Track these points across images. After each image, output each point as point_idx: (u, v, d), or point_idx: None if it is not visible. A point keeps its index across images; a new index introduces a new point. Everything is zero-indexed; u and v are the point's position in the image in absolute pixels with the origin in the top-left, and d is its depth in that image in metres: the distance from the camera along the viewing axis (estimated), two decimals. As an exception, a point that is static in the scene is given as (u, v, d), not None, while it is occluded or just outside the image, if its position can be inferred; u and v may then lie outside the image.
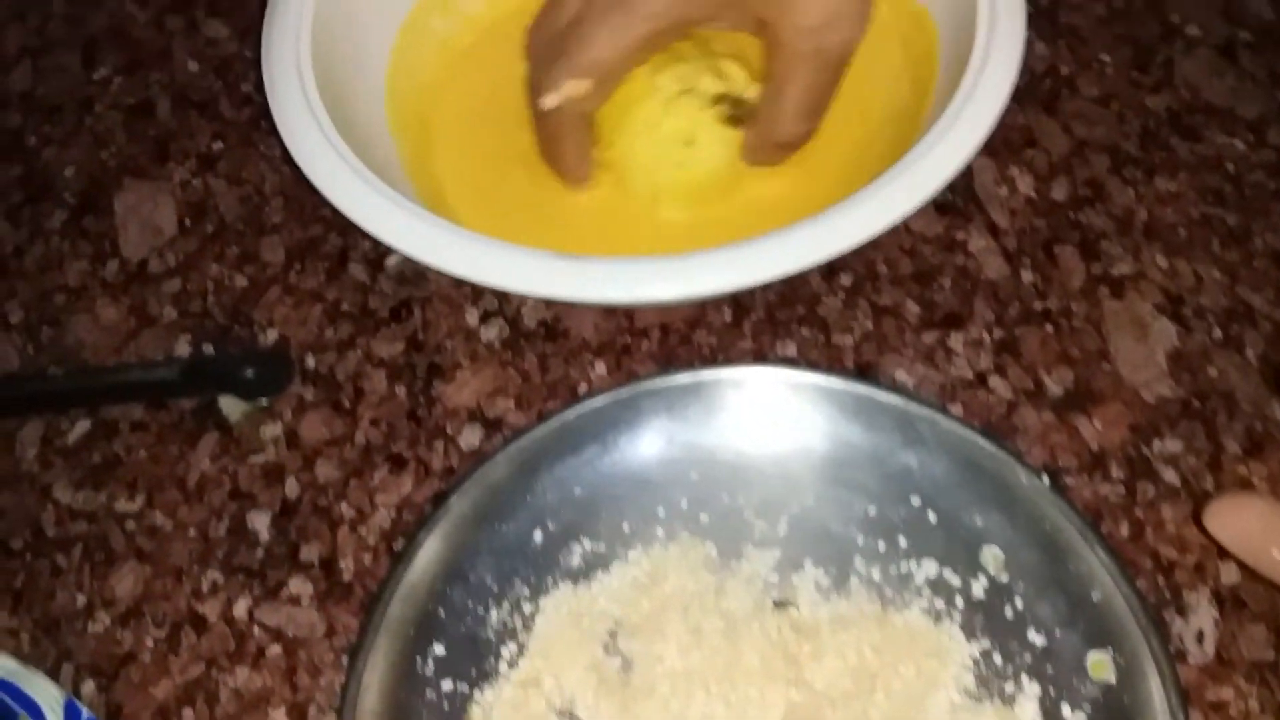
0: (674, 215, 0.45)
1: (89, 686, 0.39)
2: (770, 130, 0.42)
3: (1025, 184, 0.48)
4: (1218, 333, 0.44)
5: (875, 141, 0.45)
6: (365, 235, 0.43)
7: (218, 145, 0.52)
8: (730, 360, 0.44)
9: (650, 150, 0.44)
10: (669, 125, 0.43)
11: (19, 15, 0.58)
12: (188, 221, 0.50)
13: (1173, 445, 0.41)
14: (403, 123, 0.47)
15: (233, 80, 0.54)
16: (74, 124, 0.53)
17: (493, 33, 0.50)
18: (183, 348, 0.46)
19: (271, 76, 0.43)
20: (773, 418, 0.41)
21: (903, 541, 0.40)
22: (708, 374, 0.42)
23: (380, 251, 0.48)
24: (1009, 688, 0.37)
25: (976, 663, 0.37)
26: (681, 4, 0.39)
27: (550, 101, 0.41)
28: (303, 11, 0.44)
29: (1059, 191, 0.48)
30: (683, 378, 0.42)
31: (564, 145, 0.43)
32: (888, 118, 0.45)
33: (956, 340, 0.44)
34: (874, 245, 0.41)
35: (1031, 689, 0.37)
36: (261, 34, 0.45)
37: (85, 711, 0.37)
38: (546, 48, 0.42)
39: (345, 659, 0.39)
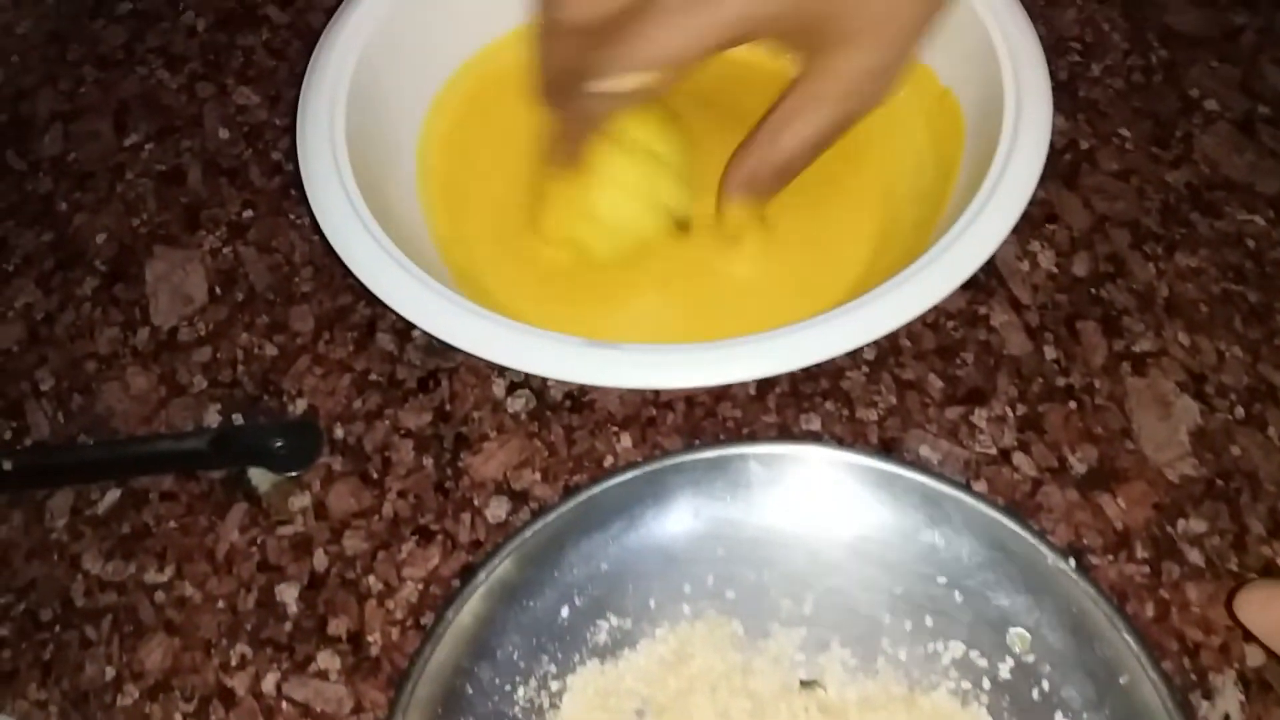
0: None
1: (117, 761, 0.39)
2: (761, 148, 0.41)
3: (1047, 259, 0.48)
4: (1240, 411, 0.44)
5: (900, 220, 0.46)
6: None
7: (248, 213, 0.53)
8: (755, 435, 0.45)
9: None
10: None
11: (50, 80, 0.59)
12: (218, 290, 0.50)
13: (1197, 525, 0.42)
14: (434, 194, 0.48)
15: (263, 148, 0.55)
16: (106, 190, 0.54)
17: (527, 105, 0.51)
18: (212, 417, 0.47)
19: (305, 150, 0.44)
20: (798, 494, 0.42)
21: (929, 621, 0.40)
22: (733, 449, 0.42)
23: (408, 322, 0.48)
24: (1036, 773, 0.37)
25: (1004, 747, 0.38)
26: (749, 7, 0.37)
27: (608, 86, 0.39)
28: (338, 84, 0.45)
29: (1080, 267, 0.48)
30: (708, 453, 0.42)
31: (583, 128, 0.41)
32: (912, 197, 0.46)
33: (980, 416, 0.45)
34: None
35: (1059, 774, 0.37)
36: (296, 103, 0.45)
37: (115, 788, 0.37)
38: (587, 32, 0.39)
39: (373, 736, 0.39)
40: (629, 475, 0.41)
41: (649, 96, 0.39)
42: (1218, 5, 0.57)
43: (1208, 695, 0.39)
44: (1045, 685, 0.38)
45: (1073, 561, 0.38)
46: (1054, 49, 0.49)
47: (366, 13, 0.47)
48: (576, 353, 0.37)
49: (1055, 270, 0.48)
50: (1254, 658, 0.39)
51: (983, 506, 0.40)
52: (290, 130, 0.55)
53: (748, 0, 0.37)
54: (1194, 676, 0.39)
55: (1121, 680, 0.37)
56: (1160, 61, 0.55)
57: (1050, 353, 0.46)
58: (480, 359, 0.39)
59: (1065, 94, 0.53)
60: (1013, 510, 0.42)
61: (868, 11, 0.38)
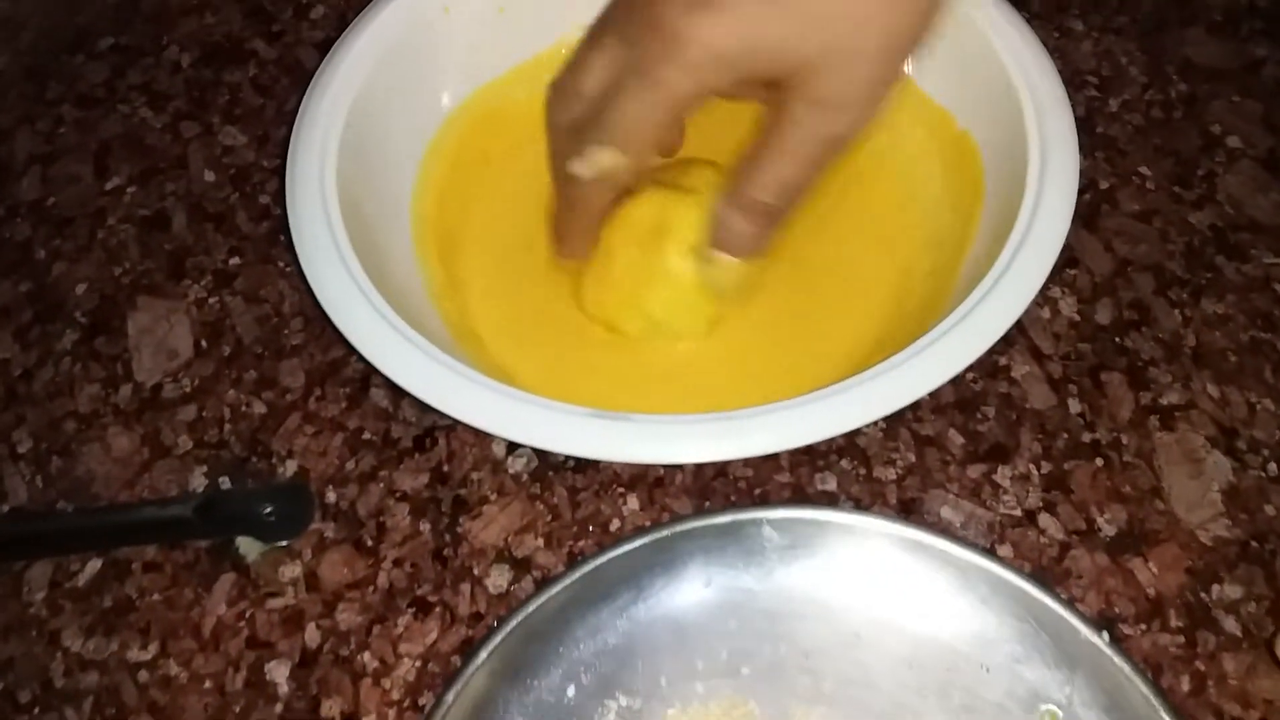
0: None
1: None
2: (739, 190, 0.39)
3: (1068, 306, 0.47)
4: (1273, 468, 0.42)
5: (917, 268, 0.44)
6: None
7: (235, 261, 0.51)
8: (768, 497, 0.43)
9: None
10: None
11: (28, 120, 0.57)
12: (204, 343, 0.48)
13: (1232, 591, 0.40)
14: (429, 243, 0.46)
15: (250, 191, 0.53)
16: (86, 237, 0.52)
17: (522, 154, 0.49)
18: (198, 480, 0.45)
19: (294, 201, 0.42)
20: (815, 561, 0.40)
21: (956, 697, 0.38)
22: (746, 514, 0.40)
23: (402, 377, 0.46)
24: None
25: (1038, 835, 0.36)
26: (707, 72, 0.37)
27: (580, 168, 0.40)
28: (330, 129, 0.44)
29: (1103, 314, 0.46)
30: (720, 518, 0.40)
31: (577, 216, 0.42)
32: (930, 242, 0.44)
33: (1003, 475, 0.43)
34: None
35: None
36: (284, 142, 0.44)
37: None
38: (570, 113, 0.41)
39: (370, 827, 0.37)
40: (636, 543, 0.40)
41: (627, 174, 0.40)
42: (1238, 37, 0.55)
43: (1250, 777, 0.37)
44: (1081, 768, 0.36)
45: (1105, 634, 0.36)
46: (1070, 83, 0.47)
47: (361, 53, 0.45)
48: (581, 424, 0.35)
49: (1077, 318, 0.46)
50: (1298, 735, 0.37)
51: (1009, 574, 0.38)
52: (279, 172, 0.53)
53: (699, 67, 0.36)
54: (1235, 757, 0.37)
55: (1160, 763, 0.35)
56: (1180, 96, 0.53)
57: (1075, 406, 0.44)
58: (471, 426, 0.37)
59: (1083, 130, 0.50)
60: (1040, 577, 0.40)
61: (830, 39, 0.36)
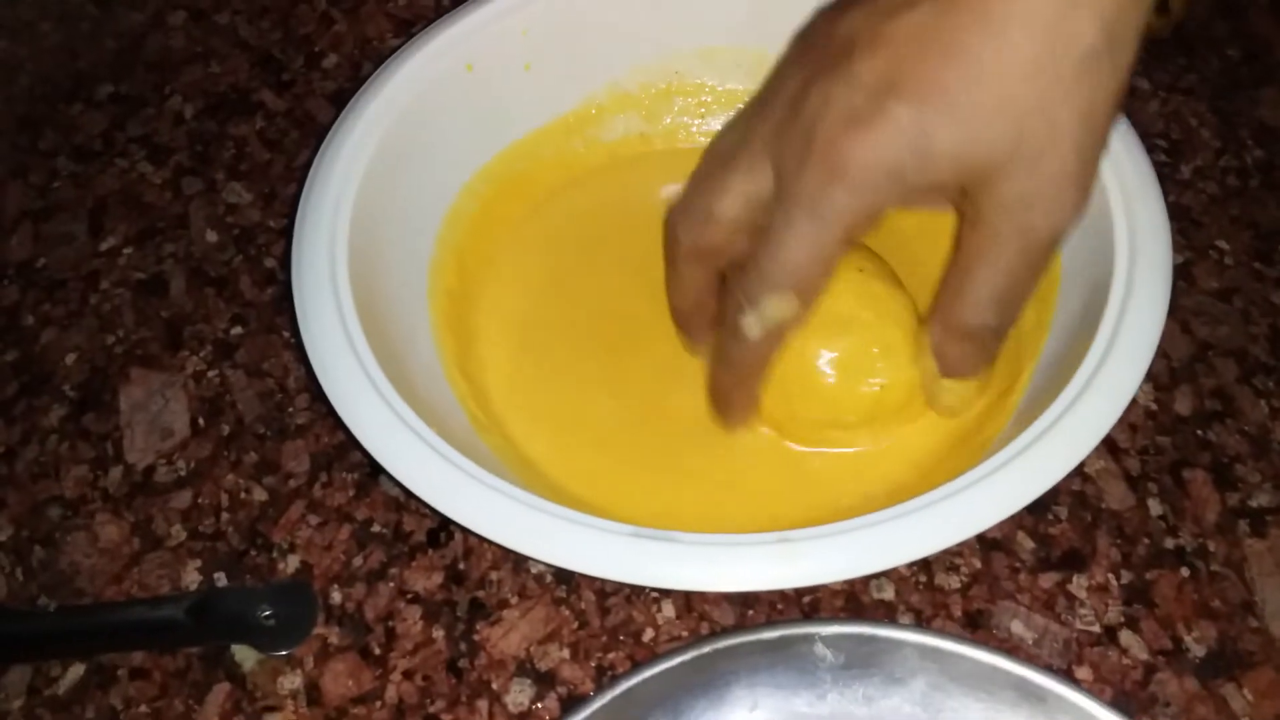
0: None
1: None
2: (950, 316, 0.36)
3: (1145, 394, 0.43)
4: (1379, 581, 0.39)
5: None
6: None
7: (236, 330, 0.48)
8: (819, 606, 0.39)
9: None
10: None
11: (21, 172, 0.54)
12: (201, 421, 0.45)
13: (1339, 723, 0.36)
14: (445, 319, 0.43)
15: (255, 254, 0.50)
16: (77, 302, 0.49)
17: (548, 220, 0.46)
18: (192, 575, 0.41)
19: (300, 274, 0.39)
20: (872, 682, 0.36)
21: (1032, 844, 0.34)
22: (796, 629, 0.37)
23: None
24: None
25: None
26: (879, 192, 0.33)
27: (753, 326, 0.36)
28: (342, 197, 0.40)
29: (1183, 404, 0.43)
30: (767, 634, 0.37)
31: (744, 376, 0.38)
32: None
33: (1079, 585, 0.39)
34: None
35: None
36: (291, 201, 0.41)
37: None
38: (703, 239, 0.38)
39: None
40: (674, 661, 0.36)
41: (799, 321, 0.36)
42: (1316, 98, 0.52)
43: None
44: None
45: (1203, 777, 0.33)
46: (1138, 148, 0.44)
47: (378, 111, 0.42)
48: (613, 545, 0.32)
49: (1155, 407, 0.43)
50: None
51: (1089, 702, 0.35)
52: (286, 233, 0.50)
53: (870, 188, 0.33)
54: None
55: None
56: (1256, 162, 0.50)
57: (1155, 507, 0.41)
58: (481, 536, 0.33)
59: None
60: (1124, 704, 0.37)
61: (1014, 133, 0.32)
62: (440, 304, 0.44)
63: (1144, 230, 0.37)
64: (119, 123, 0.55)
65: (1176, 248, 0.45)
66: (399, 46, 0.53)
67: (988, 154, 0.32)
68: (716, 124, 0.49)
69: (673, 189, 0.39)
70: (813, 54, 0.35)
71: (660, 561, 0.32)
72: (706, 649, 0.36)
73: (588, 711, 0.35)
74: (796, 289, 0.35)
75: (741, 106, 0.39)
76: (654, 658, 0.36)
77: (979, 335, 0.36)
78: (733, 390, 0.39)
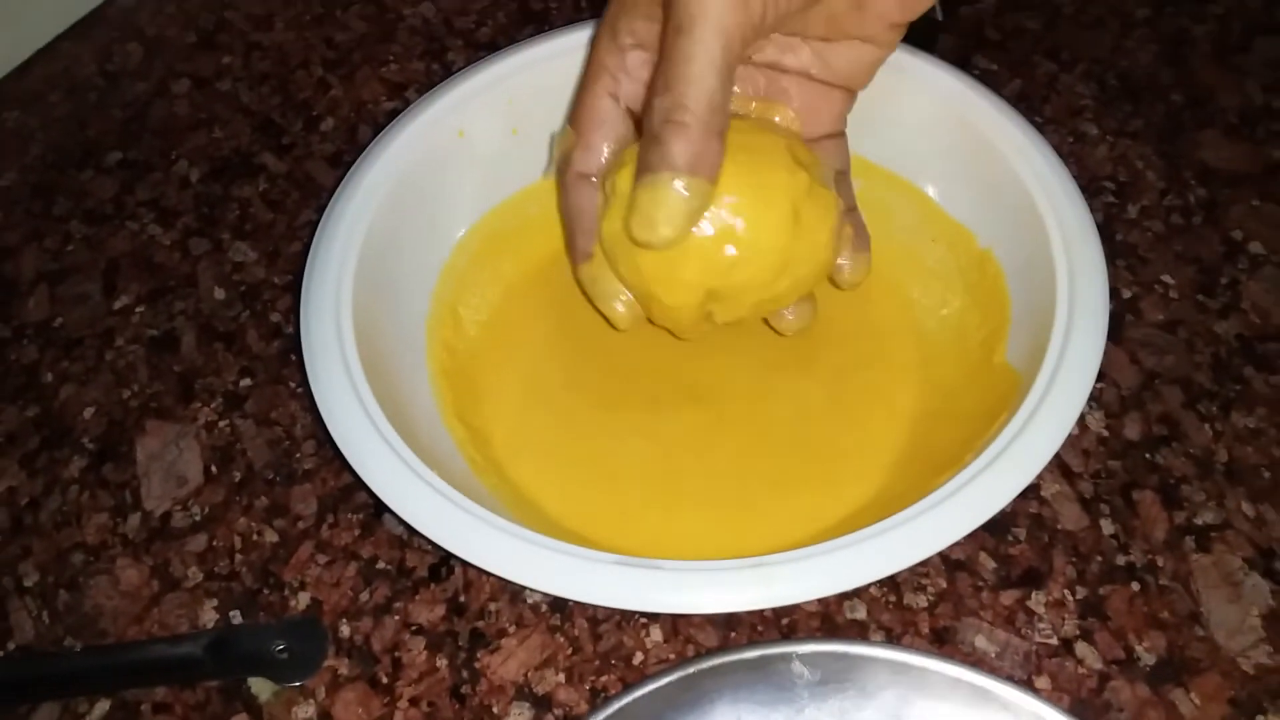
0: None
1: None
2: (661, 101, 0.35)
3: (1096, 421, 0.47)
4: (1316, 591, 0.42)
5: (941, 387, 0.44)
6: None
7: (245, 382, 0.51)
8: (796, 626, 0.42)
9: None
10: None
11: (35, 237, 0.57)
12: (214, 468, 0.48)
13: (1278, 722, 0.39)
14: (443, 367, 0.46)
15: (261, 309, 0.53)
16: (94, 359, 0.52)
17: (536, 272, 0.49)
18: (209, 614, 0.44)
19: (309, 329, 0.42)
20: (846, 696, 0.39)
21: (997, 842, 0.37)
22: (774, 649, 0.40)
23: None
24: None
25: None
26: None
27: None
28: (346, 257, 0.44)
29: (1132, 429, 0.46)
30: (748, 653, 0.40)
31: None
32: (956, 365, 0.44)
33: (1038, 601, 0.42)
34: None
35: None
36: (295, 258, 0.44)
37: None
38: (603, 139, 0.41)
39: None
40: (661, 681, 0.39)
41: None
42: (1255, 139, 0.56)
43: None
44: None
45: (1151, 776, 0.36)
46: (1087, 189, 0.48)
47: (377, 177, 0.46)
48: (607, 574, 0.35)
49: (1106, 433, 0.46)
50: None
51: (1049, 710, 0.38)
52: (290, 288, 0.54)
53: None
54: None
55: None
56: (1199, 201, 0.54)
57: (1107, 527, 0.44)
58: (484, 570, 0.36)
59: (1102, 237, 0.51)
60: (1080, 711, 0.40)
61: None
62: (437, 355, 0.47)
63: (1083, 273, 0.41)
64: (128, 187, 0.59)
65: (1124, 283, 0.49)
66: (392, 109, 0.57)
67: None
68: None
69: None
70: None
71: (645, 588, 0.35)
72: (692, 669, 0.39)
73: (582, 730, 0.38)
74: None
75: None
76: (643, 679, 0.39)
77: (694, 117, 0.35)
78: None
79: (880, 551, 0.35)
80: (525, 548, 0.36)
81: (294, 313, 0.52)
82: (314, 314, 0.42)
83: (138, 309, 0.54)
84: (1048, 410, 0.37)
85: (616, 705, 0.39)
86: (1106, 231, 0.52)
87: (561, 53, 0.48)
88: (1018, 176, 0.43)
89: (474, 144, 0.48)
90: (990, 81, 0.52)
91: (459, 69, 0.50)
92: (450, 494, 0.38)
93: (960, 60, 0.56)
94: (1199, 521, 0.44)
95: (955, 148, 0.47)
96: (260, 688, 0.42)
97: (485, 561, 0.36)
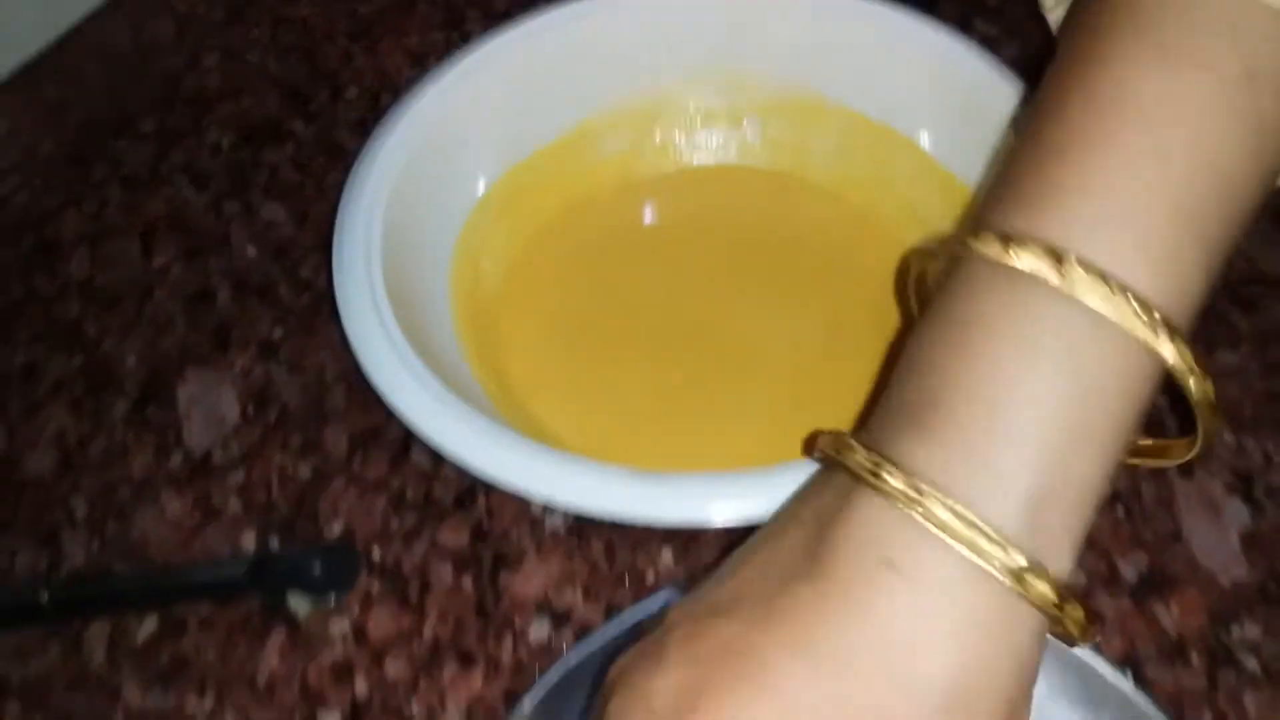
0: None
1: None
2: None
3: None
4: (1290, 512, 0.46)
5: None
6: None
7: (278, 332, 0.55)
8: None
9: None
10: None
11: (75, 201, 0.61)
12: (250, 410, 0.52)
13: (1252, 631, 0.43)
14: (466, 314, 0.50)
15: (291, 266, 0.57)
16: (134, 313, 0.56)
17: (556, 228, 0.53)
18: (248, 541, 0.48)
19: (341, 274, 0.46)
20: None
21: (984, 737, 0.41)
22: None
23: (443, 439, 0.50)
24: None
25: None
26: None
27: None
28: (373, 210, 0.47)
29: (1120, 367, 0.50)
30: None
31: None
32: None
33: (1026, 523, 0.46)
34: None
35: None
36: (323, 219, 0.48)
37: None
38: None
39: None
40: (671, 593, 0.43)
41: None
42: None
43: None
44: (1107, 803, 0.39)
45: (1130, 674, 0.39)
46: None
47: (403, 134, 0.50)
48: (620, 482, 0.39)
49: (1094, 371, 0.50)
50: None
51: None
52: (318, 247, 0.58)
53: None
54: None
55: (1185, 796, 0.38)
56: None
57: (1094, 456, 0.47)
58: (512, 490, 0.40)
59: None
60: (1064, 620, 0.43)
61: None
62: (460, 302, 0.51)
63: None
64: (162, 154, 0.63)
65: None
66: (413, 77, 0.61)
67: None
68: (700, 138, 0.56)
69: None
70: (640, 641, 0.33)
71: (660, 498, 0.39)
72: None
73: (598, 636, 0.42)
74: None
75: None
76: (654, 588, 0.43)
77: None
78: None
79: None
80: (545, 465, 0.40)
81: (324, 268, 0.56)
82: (346, 258, 0.46)
83: (174, 267, 0.58)
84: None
85: (630, 615, 0.42)
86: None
87: (577, 17, 0.53)
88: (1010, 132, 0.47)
89: (491, 107, 0.52)
90: (989, 45, 0.56)
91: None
92: (475, 419, 0.42)
93: (961, 24, 0.59)
94: (1181, 451, 0.47)
95: (951, 105, 0.50)
96: (298, 605, 0.46)
97: (508, 479, 0.40)
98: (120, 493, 0.50)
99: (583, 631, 0.45)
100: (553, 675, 0.41)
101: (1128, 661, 0.43)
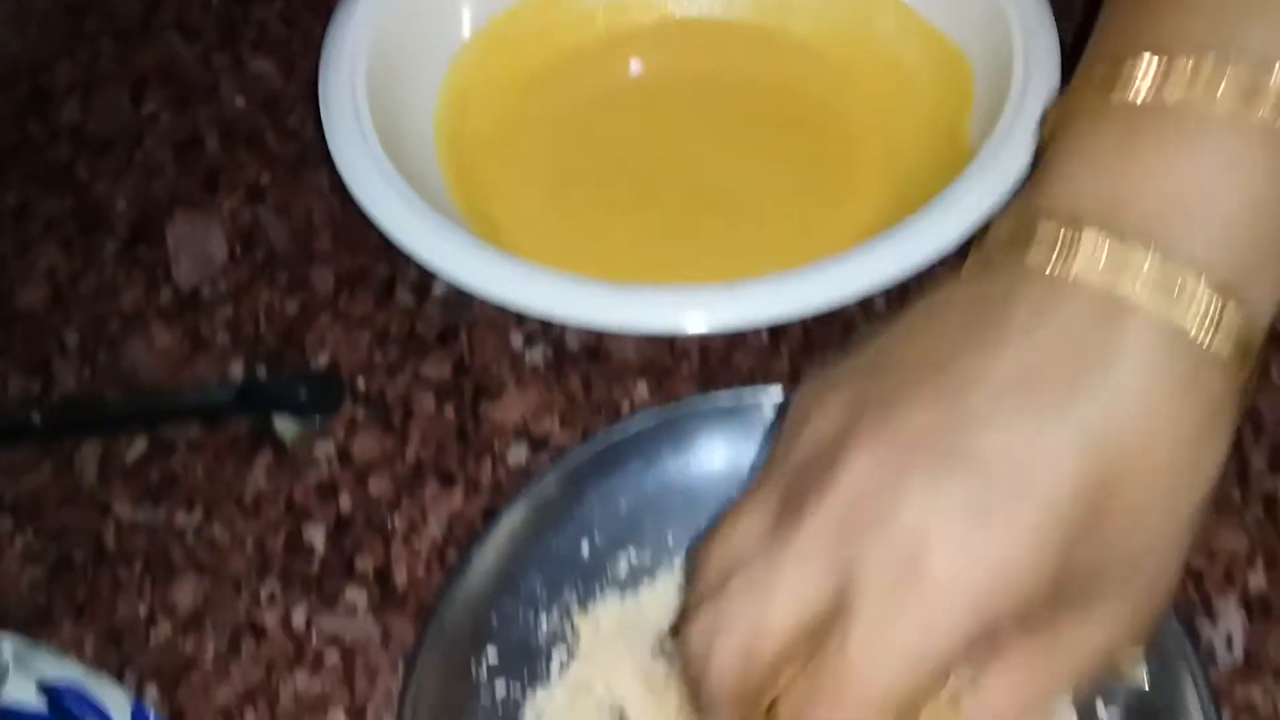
0: None
1: (152, 692, 0.43)
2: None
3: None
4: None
5: (908, 156, 0.49)
6: (412, 263, 0.48)
7: (266, 178, 0.56)
8: (769, 382, 0.48)
9: None
10: None
11: (69, 51, 0.62)
12: (238, 250, 0.54)
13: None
14: (450, 150, 0.52)
15: (279, 116, 0.58)
16: (124, 158, 0.57)
17: (540, 80, 0.54)
18: (236, 371, 0.50)
19: (328, 109, 0.48)
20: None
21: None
22: (749, 395, 0.45)
23: (426, 279, 0.51)
24: (1045, 689, 0.40)
25: (1013, 666, 0.41)
26: (986, 615, 0.28)
27: None
28: (358, 49, 0.49)
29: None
30: (724, 399, 0.45)
31: None
32: (919, 140, 0.50)
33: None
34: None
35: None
36: (310, 72, 0.49)
37: (152, 713, 0.40)
38: (757, 679, 0.29)
39: (401, 665, 0.42)
40: (646, 419, 0.45)
41: None
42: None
43: (1211, 618, 0.42)
44: (1053, 609, 0.41)
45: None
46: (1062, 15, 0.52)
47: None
48: (592, 295, 0.41)
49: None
50: (1256, 582, 0.42)
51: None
52: (305, 99, 0.59)
53: (988, 609, 0.27)
54: (1198, 600, 0.42)
55: (1127, 602, 0.40)
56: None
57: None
58: (501, 304, 0.42)
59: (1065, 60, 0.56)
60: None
61: (1127, 561, 0.29)
62: (446, 145, 0.52)
63: (1038, 67, 0.46)
64: (154, 7, 0.64)
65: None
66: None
67: (1097, 579, 0.29)
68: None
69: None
70: (873, 437, 0.29)
71: (640, 305, 0.40)
72: (674, 412, 0.45)
73: (574, 455, 0.44)
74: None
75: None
76: (630, 417, 0.45)
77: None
78: None
79: (839, 280, 0.40)
80: (529, 279, 0.42)
81: (311, 118, 0.57)
82: (331, 88, 0.48)
83: (164, 115, 0.59)
84: (987, 175, 0.43)
85: (605, 438, 0.44)
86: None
87: None
88: None
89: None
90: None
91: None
92: (463, 238, 0.43)
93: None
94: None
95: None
96: (285, 428, 0.48)
97: (495, 293, 0.42)
98: (110, 325, 0.52)
99: (560, 454, 0.47)
100: (529, 490, 0.43)
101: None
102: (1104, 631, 0.30)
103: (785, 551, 0.29)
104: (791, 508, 0.29)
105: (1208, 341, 0.28)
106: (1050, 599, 0.28)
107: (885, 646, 0.27)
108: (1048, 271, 0.29)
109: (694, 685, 0.31)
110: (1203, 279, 0.28)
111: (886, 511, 0.28)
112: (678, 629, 0.32)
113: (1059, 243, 0.29)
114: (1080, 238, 0.29)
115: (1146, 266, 0.28)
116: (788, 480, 0.31)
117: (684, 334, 0.42)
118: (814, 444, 0.30)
